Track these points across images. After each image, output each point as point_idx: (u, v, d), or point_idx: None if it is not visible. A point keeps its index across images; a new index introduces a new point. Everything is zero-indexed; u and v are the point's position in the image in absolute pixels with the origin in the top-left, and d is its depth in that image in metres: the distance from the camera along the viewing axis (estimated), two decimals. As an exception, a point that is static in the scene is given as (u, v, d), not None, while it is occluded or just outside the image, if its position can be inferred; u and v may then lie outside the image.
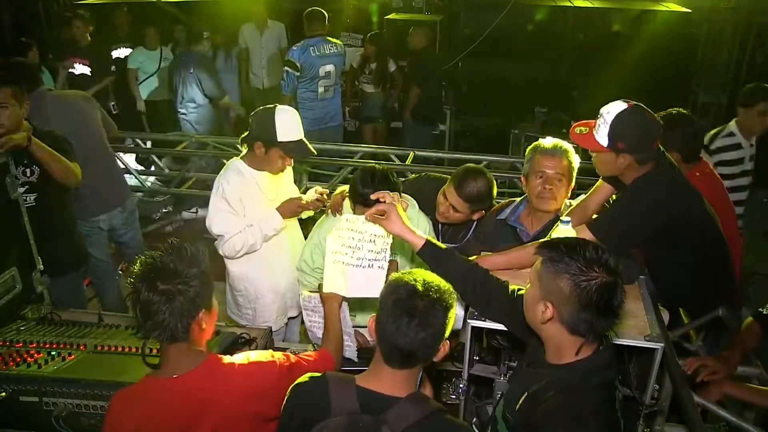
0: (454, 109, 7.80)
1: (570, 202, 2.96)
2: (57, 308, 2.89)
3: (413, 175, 4.13)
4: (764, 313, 2.71)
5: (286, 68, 6.00)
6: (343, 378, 1.77)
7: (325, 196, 3.23)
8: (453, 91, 7.83)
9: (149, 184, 6.24)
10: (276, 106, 3.00)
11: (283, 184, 3.27)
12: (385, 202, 2.31)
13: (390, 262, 2.48)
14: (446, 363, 2.89)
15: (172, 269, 1.77)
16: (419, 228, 2.93)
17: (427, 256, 2.30)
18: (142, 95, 7.38)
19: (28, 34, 7.24)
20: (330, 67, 6.13)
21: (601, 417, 1.70)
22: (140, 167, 6.30)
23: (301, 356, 2.11)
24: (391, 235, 2.38)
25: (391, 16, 8.30)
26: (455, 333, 3.00)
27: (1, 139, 2.99)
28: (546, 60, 7.32)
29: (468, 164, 3.09)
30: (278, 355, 2.02)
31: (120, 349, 2.48)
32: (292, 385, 1.79)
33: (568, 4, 7.40)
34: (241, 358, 1.98)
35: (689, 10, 7.23)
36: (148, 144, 6.42)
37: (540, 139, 2.98)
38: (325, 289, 2.42)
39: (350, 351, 2.59)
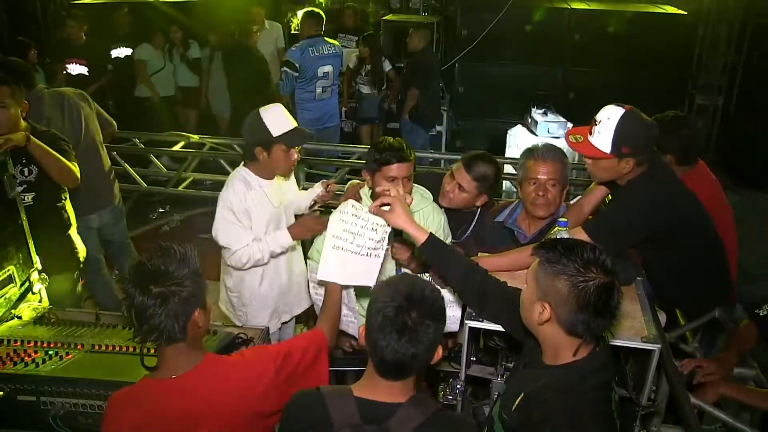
0: (450, 111, 7.81)
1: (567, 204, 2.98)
2: (54, 307, 2.89)
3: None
4: (760, 314, 2.72)
5: (284, 68, 6.01)
6: (339, 390, 1.75)
7: (332, 186, 3.24)
8: (450, 92, 7.84)
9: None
10: (258, 108, 2.96)
11: (288, 192, 3.25)
12: (390, 194, 2.31)
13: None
14: (443, 364, 2.89)
15: (163, 271, 1.75)
16: (433, 222, 2.97)
17: (428, 251, 2.29)
18: (143, 93, 7.41)
19: (26, 34, 7.23)
20: (328, 68, 6.14)
21: (599, 418, 1.71)
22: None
23: (293, 341, 2.12)
24: (390, 226, 2.36)
25: (389, 17, 8.33)
26: (452, 334, 3.02)
27: (0, 139, 2.99)
28: (543, 61, 7.34)
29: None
30: (272, 349, 2.03)
31: (117, 348, 2.47)
32: (286, 403, 1.78)
33: (565, 5, 7.42)
34: (238, 356, 1.99)
35: (685, 12, 7.25)
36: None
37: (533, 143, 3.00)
38: (319, 276, 2.38)
39: (353, 327, 2.57)
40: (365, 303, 2.78)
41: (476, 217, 3.21)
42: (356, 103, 7.64)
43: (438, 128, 7.68)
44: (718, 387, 2.51)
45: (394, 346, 1.62)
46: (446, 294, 2.42)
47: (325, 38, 6.16)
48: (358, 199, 2.97)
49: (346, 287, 2.46)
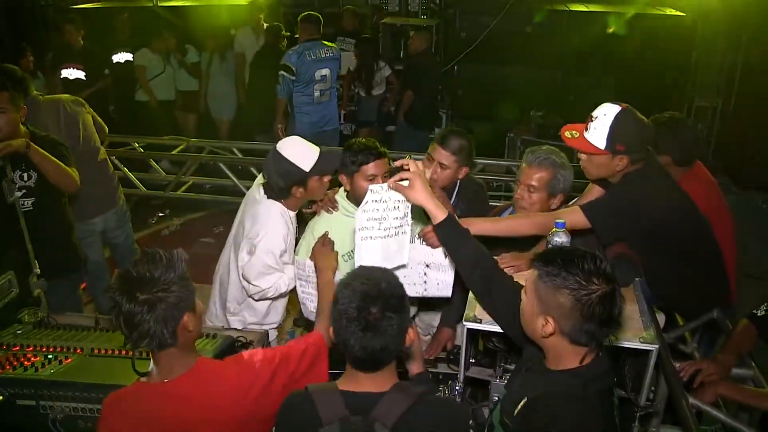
0: (450, 113, 7.83)
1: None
2: (54, 312, 2.89)
3: None
4: (759, 315, 2.72)
5: (281, 72, 6.01)
6: (325, 387, 1.78)
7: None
8: (449, 95, 7.85)
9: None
10: (273, 149, 2.87)
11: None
12: (409, 169, 2.22)
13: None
14: (442, 365, 2.90)
15: (148, 278, 1.74)
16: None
17: (443, 232, 2.23)
18: (143, 97, 7.41)
19: (25, 39, 7.25)
20: (326, 71, 6.14)
21: (602, 424, 1.71)
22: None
23: (291, 344, 2.11)
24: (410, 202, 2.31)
25: (387, 20, 8.33)
26: (452, 331, 3.02)
27: (0, 145, 2.99)
28: (542, 63, 7.37)
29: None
30: (269, 353, 2.02)
31: (116, 352, 2.47)
32: (280, 406, 1.81)
33: (564, 8, 7.44)
34: (233, 360, 1.99)
35: (683, 14, 7.26)
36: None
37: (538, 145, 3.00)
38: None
39: None
40: None
41: (456, 188, 3.23)
42: (355, 106, 7.65)
43: (438, 131, 7.68)
44: (716, 387, 2.51)
45: (363, 343, 1.66)
46: (440, 258, 2.41)
47: (323, 41, 6.17)
48: (334, 204, 2.99)
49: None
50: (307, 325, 3.93)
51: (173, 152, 6.18)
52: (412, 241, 2.40)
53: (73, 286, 3.69)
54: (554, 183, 2.79)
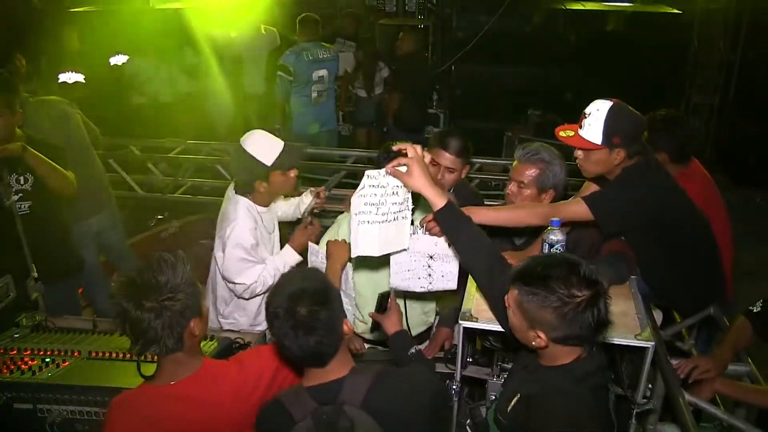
0: (447, 112, 7.82)
1: None
2: (51, 315, 2.90)
3: None
4: (755, 311, 2.72)
5: (279, 73, 6.02)
6: (291, 390, 1.84)
7: (323, 193, 3.25)
8: (446, 94, 7.84)
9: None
10: (235, 144, 2.87)
11: (277, 212, 3.24)
12: (407, 155, 2.16)
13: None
14: (440, 365, 2.90)
15: (154, 285, 1.74)
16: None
17: (443, 218, 2.17)
18: (140, 99, 7.40)
19: (22, 42, 7.23)
20: (323, 72, 6.14)
21: (597, 419, 1.72)
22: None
23: None
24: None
25: (383, 21, 8.31)
26: (450, 331, 3.02)
27: None
28: (539, 62, 7.35)
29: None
30: (268, 351, 2.03)
31: (115, 355, 2.48)
32: (256, 420, 1.86)
33: (561, 6, 7.43)
34: (235, 360, 2.00)
35: (680, 12, 7.27)
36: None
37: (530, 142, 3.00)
38: (354, 254, 2.28)
39: (348, 314, 2.54)
40: (365, 291, 2.80)
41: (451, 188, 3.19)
42: (354, 106, 7.65)
43: (435, 130, 7.68)
44: (713, 384, 2.52)
45: (297, 342, 1.71)
46: (444, 248, 2.40)
47: (321, 42, 6.18)
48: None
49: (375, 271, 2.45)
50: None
51: (171, 154, 6.17)
52: (414, 232, 2.37)
53: (70, 289, 3.70)
54: (543, 179, 2.79)
